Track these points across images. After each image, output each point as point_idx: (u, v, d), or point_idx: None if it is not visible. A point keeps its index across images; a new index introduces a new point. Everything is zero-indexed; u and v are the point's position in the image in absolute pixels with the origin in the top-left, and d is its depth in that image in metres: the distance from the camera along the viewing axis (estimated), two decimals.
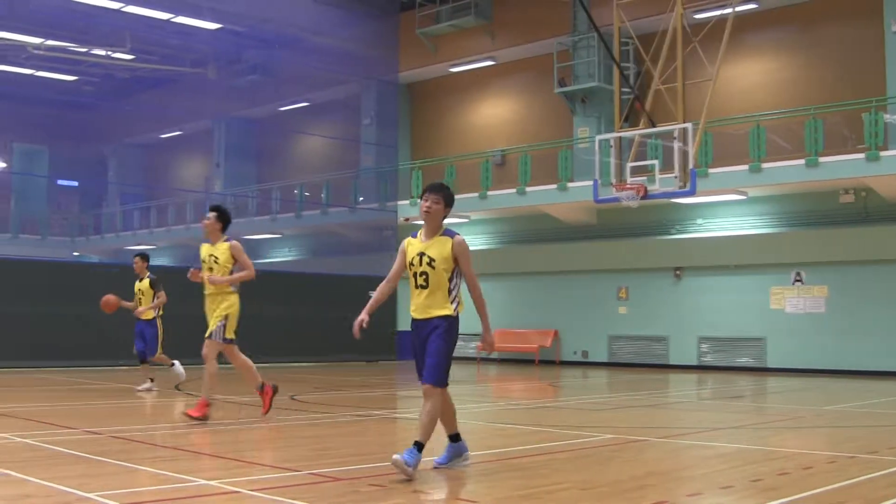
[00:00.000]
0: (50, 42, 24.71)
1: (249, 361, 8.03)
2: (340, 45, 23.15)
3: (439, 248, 5.24)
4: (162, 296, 11.36)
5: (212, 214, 7.95)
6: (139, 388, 11.30)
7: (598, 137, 17.46)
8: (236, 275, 7.86)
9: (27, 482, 4.93)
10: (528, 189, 20.30)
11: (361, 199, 24.14)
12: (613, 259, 20.12)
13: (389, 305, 20.64)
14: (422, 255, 5.27)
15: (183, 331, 11.93)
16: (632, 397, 12.25)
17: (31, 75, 26.71)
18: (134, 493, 4.69)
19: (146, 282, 11.38)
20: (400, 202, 22.57)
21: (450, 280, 5.24)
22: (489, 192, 20.94)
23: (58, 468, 5.46)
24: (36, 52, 24.79)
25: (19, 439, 6.70)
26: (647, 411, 10.27)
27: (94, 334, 15.88)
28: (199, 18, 22.43)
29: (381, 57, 23.22)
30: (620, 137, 17.79)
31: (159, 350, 11.39)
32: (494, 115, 24.38)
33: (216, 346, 7.75)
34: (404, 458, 4.93)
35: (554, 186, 19.88)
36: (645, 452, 6.50)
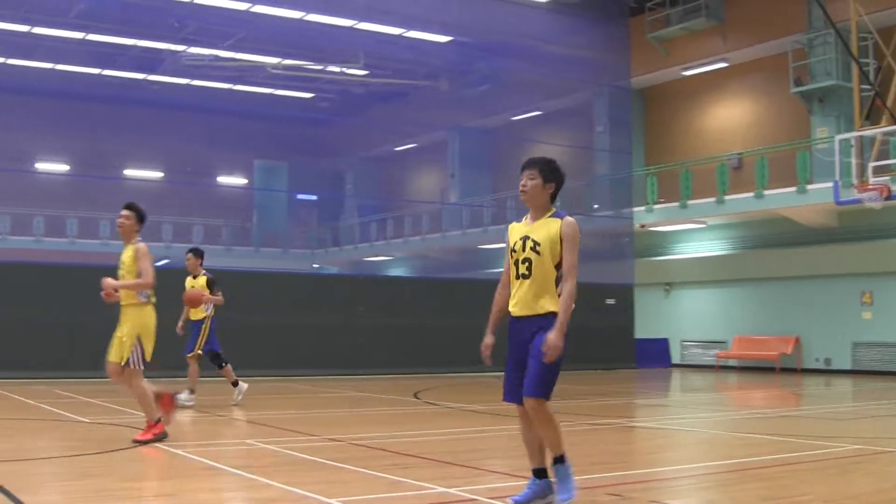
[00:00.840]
0: (287, 61, 33.16)
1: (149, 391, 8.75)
2: (571, 53, 29.36)
3: (546, 230, 5.58)
4: (218, 297, 12.91)
5: (125, 212, 8.92)
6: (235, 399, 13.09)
7: (837, 137, 22.18)
8: (127, 282, 8.59)
9: (270, 486, 6.27)
10: (766, 192, 25.01)
11: (596, 206, 30.06)
12: (856, 262, 24.60)
13: (628, 311, 26.28)
14: (525, 238, 5.61)
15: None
16: (878, 406, 13.98)
17: (270, 94, 35.41)
18: (374, 500, 5.84)
19: (202, 280, 12.94)
20: (635, 209, 28.17)
21: (557, 267, 5.54)
22: (726, 197, 26.02)
23: (300, 474, 6.87)
24: (274, 71, 33.36)
25: (264, 445, 8.60)
26: (893, 421, 11.92)
27: (332, 343, 21.15)
28: (430, 32, 29.18)
29: (613, 63, 29.18)
30: (861, 136, 22.26)
31: (196, 349, 12.85)
32: (729, 118, 29.68)
33: (133, 373, 8.60)
34: (560, 498, 5.54)
35: (792, 189, 24.35)
36: (892, 465, 7.63)
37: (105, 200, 34.22)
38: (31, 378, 16.70)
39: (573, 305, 5.46)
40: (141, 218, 8.89)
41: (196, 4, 28.31)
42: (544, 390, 5.42)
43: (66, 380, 16.72)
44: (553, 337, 5.34)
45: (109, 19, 30.15)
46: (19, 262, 21.63)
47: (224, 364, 13.01)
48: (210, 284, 12.80)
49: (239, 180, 42.14)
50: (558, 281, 5.50)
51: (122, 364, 8.54)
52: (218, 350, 12.94)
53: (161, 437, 8.57)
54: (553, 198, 5.75)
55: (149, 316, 8.71)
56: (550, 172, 5.71)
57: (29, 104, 33.69)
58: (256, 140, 37.43)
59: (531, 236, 5.58)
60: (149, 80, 35.48)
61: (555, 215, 5.65)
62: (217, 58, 32.06)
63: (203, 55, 32.04)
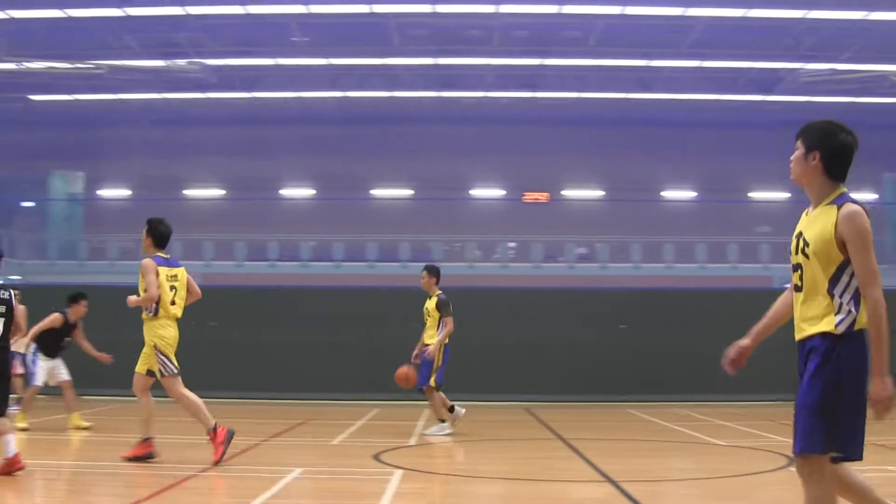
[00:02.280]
0: None
1: (152, 406, 9.77)
2: None
3: (821, 224, 4.53)
4: (449, 322, 12.99)
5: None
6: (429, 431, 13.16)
7: None
8: (135, 297, 9.74)
9: None
10: None
11: None
12: None
13: None
14: (799, 236, 4.64)
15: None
16: None
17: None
18: None
19: (434, 301, 13.13)
20: None
21: (834, 276, 4.47)
22: None
23: None
24: None
25: None
26: None
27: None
28: None
29: None
30: None
31: (432, 380, 12.99)
32: None
33: (170, 382, 9.69)
34: None
35: None
36: None
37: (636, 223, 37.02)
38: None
39: (886, 332, 4.35)
40: (153, 234, 10.14)
41: (812, 19, 29.62)
42: (815, 441, 4.37)
43: (692, 402, 18.90)
44: (880, 388, 4.31)
45: (722, 44, 32.77)
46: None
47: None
48: (440, 306, 12.94)
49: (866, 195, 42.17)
50: (834, 291, 4.45)
51: (150, 375, 9.74)
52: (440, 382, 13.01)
53: (229, 439, 9.46)
54: (835, 175, 4.58)
55: (162, 328, 9.72)
56: (814, 137, 4.61)
57: (654, 134, 37.77)
58: (887, 153, 37.37)
59: (804, 233, 4.59)
60: (767, 101, 37.53)
61: (835, 201, 4.52)
62: (835, 71, 33.05)
63: (821, 70, 33.24)
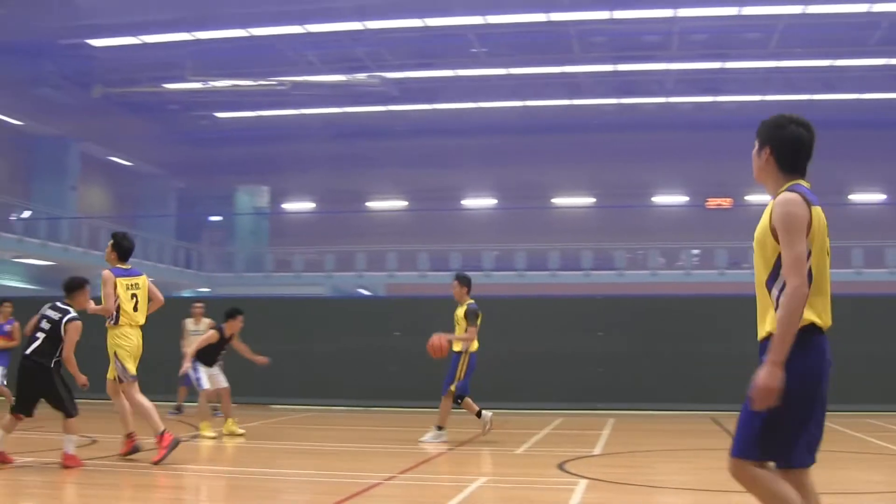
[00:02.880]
0: None
1: (148, 404, 10.59)
2: None
3: (764, 217, 4.62)
4: (472, 331, 13.00)
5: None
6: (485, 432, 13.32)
7: None
8: (96, 307, 10.64)
9: None
10: None
11: None
12: None
13: None
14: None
15: None
16: None
17: None
18: None
19: (463, 309, 13.21)
20: None
21: (773, 270, 4.51)
22: None
23: None
24: None
25: None
26: None
27: None
28: None
29: None
30: None
31: (451, 388, 13.09)
32: None
33: (126, 387, 10.67)
34: None
35: None
36: None
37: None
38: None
39: (794, 322, 4.28)
40: (118, 248, 10.80)
41: None
42: (743, 447, 4.48)
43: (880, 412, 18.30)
44: (763, 375, 4.29)
45: None
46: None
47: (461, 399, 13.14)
48: (468, 315, 13.00)
49: None
50: (772, 287, 4.48)
51: (115, 380, 10.63)
52: (465, 393, 13.09)
53: (174, 445, 10.20)
54: (788, 168, 4.62)
55: (122, 337, 10.56)
56: (764, 133, 4.68)
57: (840, 136, 36.78)
58: None
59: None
60: None
61: (784, 193, 4.54)
62: None
63: None
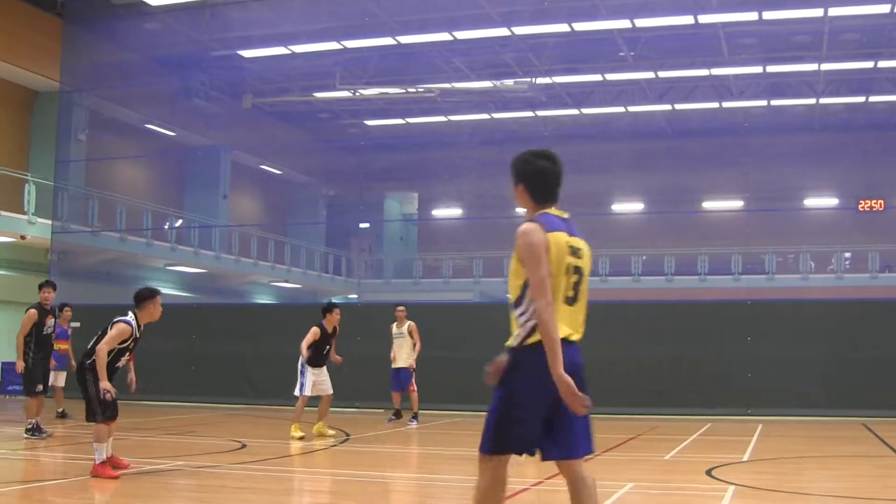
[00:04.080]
0: None
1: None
2: None
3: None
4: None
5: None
6: None
7: None
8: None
9: None
10: None
11: None
12: None
13: None
14: None
15: None
16: None
17: None
18: None
19: None
20: None
21: (520, 293, 5.20)
22: None
23: None
24: None
25: None
26: None
27: None
28: None
29: None
30: None
31: None
32: None
33: None
34: None
35: None
36: None
37: None
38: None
39: (552, 334, 4.92)
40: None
41: None
42: (484, 443, 5.24)
43: None
44: (560, 387, 4.93)
45: None
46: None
47: None
48: None
49: None
50: (519, 307, 5.13)
51: None
52: None
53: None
54: (541, 198, 5.34)
55: None
56: (514, 171, 5.42)
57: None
58: None
59: None
60: None
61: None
62: None
63: None
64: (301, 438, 14.09)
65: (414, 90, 37.36)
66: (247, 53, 34.65)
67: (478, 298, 40.39)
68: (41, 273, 26.93)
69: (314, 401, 14.94)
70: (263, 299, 42.99)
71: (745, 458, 12.56)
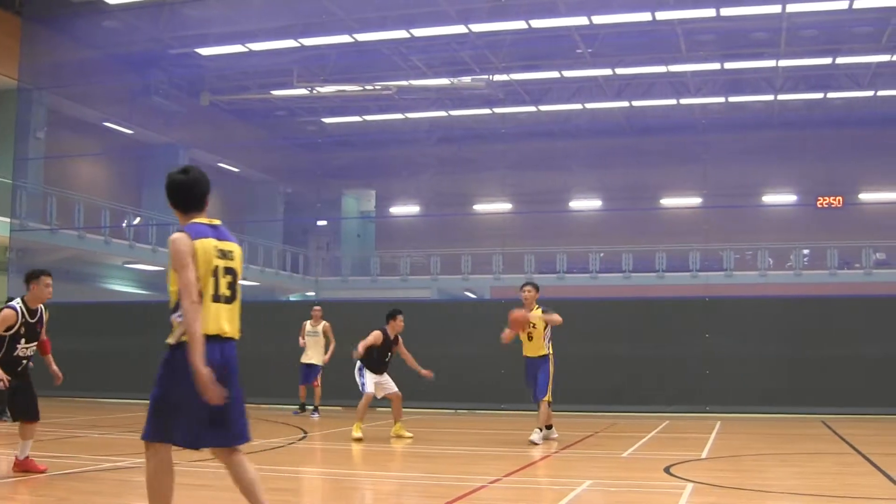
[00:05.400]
0: None
1: None
2: None
3: None
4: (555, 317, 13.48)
5: None
6: (533, 437, 13.31)
7: None
8: None
9: None
10: None
11: None
12: None
13: None
14: None
15: None
16: None
17: None
18: None
19: (539, 311, 13.61)
20: None
21: (177, 301, 5.85)
22: None
23: None
24: None
25: None
26: None
27: None
28: None
29: None
30: None
31: (549, 396, 13.46)
32: None
33: None
34: None
35: None
36: None
37: None
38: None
39: (195, 332, 5.59)
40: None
41: None
42: (146, 431, 5.84)
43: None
44: (195, 377, 5.53)
45: None
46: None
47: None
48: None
49: None
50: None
51: None
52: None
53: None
54: (182, 208, 6.01)
55: None
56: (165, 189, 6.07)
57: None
58: None
59: None
60: None
61: None
62: None
63: None
64: (359, 440, 13.71)
65: (371, 88, 37.19)
66: (205, 51, 34.38)
67: (435, 296, 40.32)
68: None
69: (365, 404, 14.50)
70: None
71: (704, 455, 12.54)
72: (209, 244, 5.85)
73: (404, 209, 48.58)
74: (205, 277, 5.81)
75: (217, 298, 5.86)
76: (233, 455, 5.88)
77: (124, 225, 37.30)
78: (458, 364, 20.40)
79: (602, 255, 41.65)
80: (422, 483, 10.16)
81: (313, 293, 43.67)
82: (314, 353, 19.16)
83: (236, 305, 5.98)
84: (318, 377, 19.17)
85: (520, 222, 42.56)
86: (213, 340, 5.74)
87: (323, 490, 9.97)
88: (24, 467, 9.79)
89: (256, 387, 20.86)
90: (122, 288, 38.18)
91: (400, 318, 14.64)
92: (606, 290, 36.15)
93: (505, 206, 44.21)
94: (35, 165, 31.08)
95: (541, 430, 13.32)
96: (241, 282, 6.05)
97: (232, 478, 5.91)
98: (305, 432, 15.33)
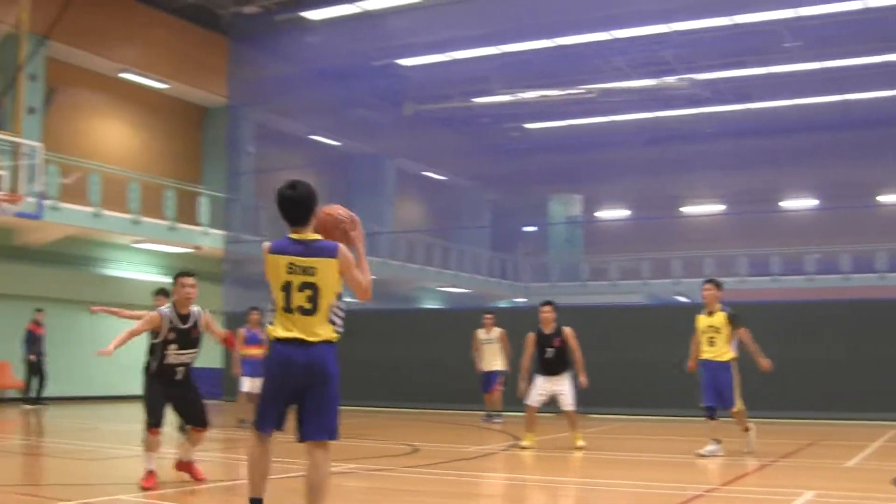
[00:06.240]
0: None
1: None
2: None
3: None
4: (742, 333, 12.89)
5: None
6: (702, 451, 12.58)
7: None
8: None
9: None
10: None
11: None
12: None
13: None
14: None
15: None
16: None
17: None
18: None
19: (723, 315, 12.90)
20: None
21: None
22: None
23: None
24: None
25: None
26: None
27: None
28: None
29: None
30: None
31: (741, 403, 12.72)
32: None
33: None
34: None
35: None
36: None
37: None
38: None
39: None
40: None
41: None
42: (336, 428, 6.59)
43: None
44: None
45: None
46: None
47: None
48: (735, 320, 12.85)
49: None
50: None
51: None
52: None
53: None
54: (289, 226, 6.59)
55: None
56: None
57: None
58: None
59: None
60: None
61: None
62: None
63: None
64: (525, 448, 13.46)
65: (573, 91, 37.05)
66: (406, 62, 35.05)
67: (646, 300, 39.74)
68: (215, 282, 27.88)
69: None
70: (432, 305, 43.32)
71: None
72: (281, 260, 6.38)
73: (611, 213, 48.20)
74: (276, 290, 6.39)
75: (289, 310, 6.39)
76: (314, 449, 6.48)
77: None
78: (670, 368, 19.90)
79: (818, 255, 40.18)
80: (635, 491, 9.98)
81: (524, 299, 43.84)
82: (492, 360, 19.13)
83: (319, 317, 6.41)
84: (499, 382, 19.08)
85: (730, 223, 41.57)
86: (287, 343, 6.39)
87: (532, 498, 9.92)
88: (184, 469, 9.91)
89: (466, 393, 21.13)
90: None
91: (545, 309, 13.80)
92: (821, 293, 34.75)
93: (715, 208, 43.24)
94: (246, 179, 32.37)
95: (718, 443, 12.68)
96: (329, 291, 6.47)
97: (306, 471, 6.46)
98: (516, 439, 15.29)
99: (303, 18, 30.29)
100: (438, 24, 32.14)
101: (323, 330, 6.43)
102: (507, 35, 32.63)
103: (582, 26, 31.91)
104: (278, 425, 6.54)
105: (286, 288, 6.37)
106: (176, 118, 33.41)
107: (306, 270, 6.35)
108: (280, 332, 6.41)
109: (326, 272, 6.38)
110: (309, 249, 6.40)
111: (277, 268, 6.38)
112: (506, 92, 37.49)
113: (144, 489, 9.21)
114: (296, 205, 6.49)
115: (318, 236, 6.49)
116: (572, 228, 47.64)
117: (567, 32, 32.25)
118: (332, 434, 6.45)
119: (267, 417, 6.50)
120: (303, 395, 6.38)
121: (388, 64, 35.43)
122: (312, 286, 6.36)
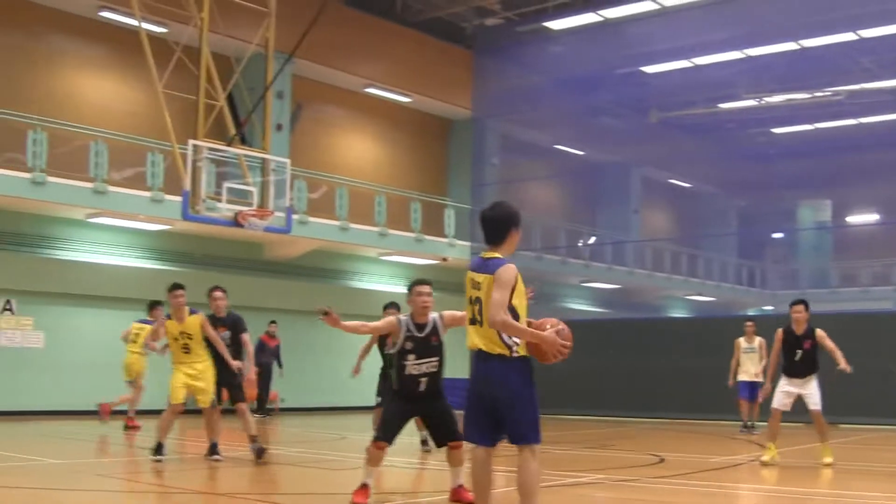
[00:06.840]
0: None
1: None
2: None
3: None
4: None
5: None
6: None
7: None
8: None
9: None
10: None
11: None
12: None
13: None
14: None
15: None
16: None
17: None
18: None
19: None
20: None
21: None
22: None
23: None
24: None
25: None
26: None
27: None
28: None
29: None
30: None
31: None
32: None
33: None
34: None
35: None
36: None
37: None
38: None
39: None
40: None
41: None
42: (538, 433, 6.85)
43: None
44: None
45: None
46: None
47: None
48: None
49: None
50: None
51: None
52: None
53: None
54: (488, 243, 7.17)
55: None
56: None
57: None
58: None
59: None
60: None
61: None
62: None
63: None
64: (766, 463, 12.70)
65: (820, 94, 36.10)
66: (650, 69, 35.06)
67: None
68: (459, 293, 28.71)
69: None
70: (678, 314, 43.06)
71: None
72: (468, 277, 6.92)
73: (862, 217, 46.47)
74: (466, 304, 6.89)
75: (472, 321, 6.85)
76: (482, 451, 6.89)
77: (581, 244, 38.53)
78: None
79: None
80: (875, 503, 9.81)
81: (771, 307, 42.90)
82: (753, 370, 18.96)
83: (485, 328, 6.72)
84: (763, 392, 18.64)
85: None
86: (475, 354, 6.85)
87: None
88: (454, 497, 9.25)
89: (714, 403, 21.11)
90: (578, 307, 39.51)
91: (797, 308, 13.00)
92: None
93: None
94: (491, 190, 33.15)
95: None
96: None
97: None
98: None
99: (545, 29, 30.88)
100: (680, 29, 32.09)
101: (496, 342, 6.68)
102: (751, 39, 32.19)
103: (826, 27, 31.16)
104: (489, 438, 6.85)
105: (469, 301, 6.86)
106: (420, 131, 34.59)
107: (477, 286, 6.79)
108: (468, 342, 6.89)
109: (487, 286, 6.69)
110: (486, 266, 6.79)
111: (467, 283, 6.92)
112: (751, 97, 36.93)
113: (354, 503, 9.00)
114: (490, 224, 7.02)
115: (496, 254, 6.87)
116: (822, 234, 46.21)
117: (811, 34, 31.57)
118: (534, 438, 6.73)
119: (471, 429, 6.91)
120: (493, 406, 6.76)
121: (631, 72, 35.54)
122: (478, 301, 6.77)
